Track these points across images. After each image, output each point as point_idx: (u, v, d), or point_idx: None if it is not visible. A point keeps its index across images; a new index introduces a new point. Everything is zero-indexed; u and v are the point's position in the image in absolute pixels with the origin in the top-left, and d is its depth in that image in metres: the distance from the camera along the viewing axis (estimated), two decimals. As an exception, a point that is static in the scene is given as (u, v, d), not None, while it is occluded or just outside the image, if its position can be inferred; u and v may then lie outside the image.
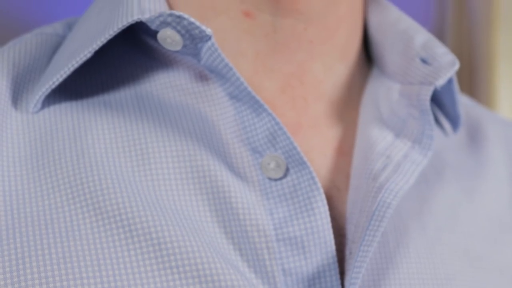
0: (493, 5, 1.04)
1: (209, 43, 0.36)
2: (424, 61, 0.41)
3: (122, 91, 0.39)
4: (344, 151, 0.40)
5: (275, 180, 0.36)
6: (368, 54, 0.46)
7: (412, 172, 0.37)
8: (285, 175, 0.36)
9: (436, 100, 0.45)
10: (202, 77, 0.39)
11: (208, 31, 0.35)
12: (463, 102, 0.49)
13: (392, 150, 0.38)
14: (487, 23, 1.05)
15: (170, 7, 0.40)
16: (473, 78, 1.08)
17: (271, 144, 0.36)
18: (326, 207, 0.36)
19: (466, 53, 1.08)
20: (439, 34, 1.10)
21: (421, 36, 0.42)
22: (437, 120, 0.46)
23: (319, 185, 0.36)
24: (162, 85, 0.39)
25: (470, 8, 1.07)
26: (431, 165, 0.42)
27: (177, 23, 0.35)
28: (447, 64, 0.40)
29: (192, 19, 0.35)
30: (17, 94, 0.38)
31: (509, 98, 1.08)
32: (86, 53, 0.36)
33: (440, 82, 0.39)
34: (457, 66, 0.40)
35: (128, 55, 0.40)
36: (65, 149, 0.36)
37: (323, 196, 0.36)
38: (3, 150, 0.35)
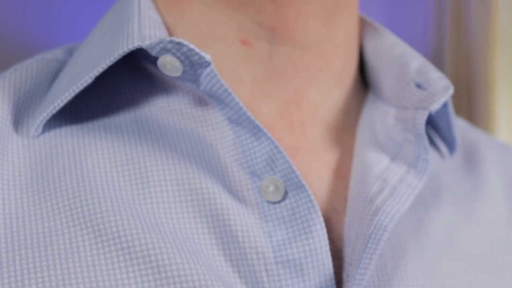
0: (491, 28, 1.04)
1: (208, 69, 0.36)
2: (419, 86, 0.42)
3: (122, 115, 0.39)
4: (342, 174, 0.41)
5: (274, 203, 0.36)
6: (364, 79, 0.46)
7: (408, 196, 0.38)
8: (283, 198, 0.36)
9: (432, 123, 0.45)
10: (201, 102, 0.39)
11: (208, 57, 0.36)
12: (460, 126, 0.50)
13: (388, 174, 0.38)
14: (485, 45, 1.06)
15: (170, 34, 0.40)
16: (471, 100, 1.09)
17: (270, 168, 0.37)
18: (324, 230, 0.36)
19: (465, 75, 1.09)
20: (438, 56, 1.11)
21: (416, 61, 0.43)
22: (434, 143, 0.46)
23: (317, 208, 0.36)
24: (162, 109, 0.39)
25: (468, 31, 1.08)
26: (429, 187, 0.43)
27: (177, 49, 0.36)
28: (441, 89, 0.41)
29: (191, 46, 0.35)
30: (18, 119, 0.38)
31: (507, 120, 1.08)
32: (87, 79, 0.36)
33: (435, 106, 0.39)
34: (451, 91, 0.41)
35: (128, 81, 0.40)
36: (65, 173, 0.36)
37: (321, 219, 0.36)
38: (4, 174, 0.36)
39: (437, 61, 1.11)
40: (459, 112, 1.08)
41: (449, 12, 1.07)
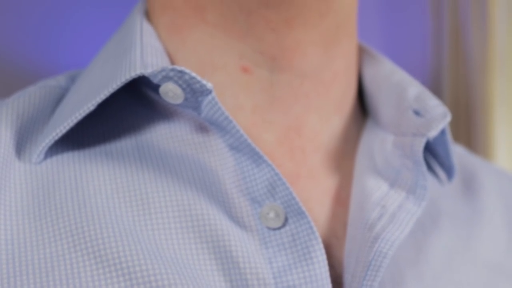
0: (489, 52, 1.05)
1: (209, 97, 0.37)
2: (416, 113, 0.42)
3: (123, 141, 0.39)
4: (342, 200, 0.41)
5: (274, 229, 0.37)
6: (363, 106, 0.47)
7: (407, 222, 0.38)
8: (284, 225, 0.37)
9: (431, 150, 0.46)
10: (202, 128, 0.39)
11: (209, 85, 0.36)
12: (458, 152, 0.50)
13: (387, 200, 0.39)
14: (484, 69, 1.06)
15: (171, 62, 0.41)
16: (470, 123, 1.09)
17: (270, 194, 0.37)
18: (324, 256, 0.36)
19: (463, 98, 1.09)
20: (436, 80, 1.11)
21: (414, 88, 0.43)
22: (432, 170, 0.46)
23: (317, 234, 0.36)
24: (163, 135, 0.39)
25: (467, 55, 1.08)
26: (427, 213, 0.43)
27: (179, 77, 0.36)
28: (439, 116, 0.41)
29: (193, 74, 0.36)
30: (21, 145, 0.39)
31: (506, 142, 1.08)
32: (89, 106, 0.37)
33: (433, 133, 0.40)
34: (448, 118, 0.41)
35: (130, 107, 0.41)
36: (67, 199, 0.36)
37: (321, 246, 0.36)
38: (6, 200, 0.36)
39: (436, 84, 1.11)
40: (458, 134, 1.08)
41: (448, 36, 1.08)
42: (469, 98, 1.08)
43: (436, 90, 1.11)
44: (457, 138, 1.07)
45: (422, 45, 1.11)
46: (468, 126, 1.10)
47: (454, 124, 1.08)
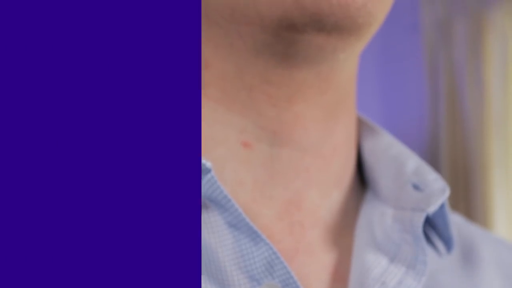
0: (486, 114, 1.06)
1: (208, 175, 0.37)
2: (415, 187, 0.42)
3: None
4: (340, 276, 0.41)
5: None
6: (362, 177, 0.47)
7: None
8: None
9: (429, 221, 0.46)
10: (202, 205, 0.39)
11: (208, 164, 0.36)
12: (456, 222, 0.50)
13: (387, 276, 0.39)
14: (481, 131, 1.07)
15: None
16: (469, 186, 1.10)
17: (268, 273, 0.37)
18: None
19: (461, 161, 1.10)
20: (434, 144, 1.12)
21: (413, 162, 0.44)
22: (431, 241, 0.46)
23: None
24: None
25: (463, 118, 1.09)
26: (426, 287, 0.43)
27: None
28: (438, 191, 0.41)
29: None
30: None
31: (505, 206, 1.08)
32: None
33: (432, 209, 0.40)
34: (447, 193, 0.41)
35: None
36: None
37: None
38: None
39: (433, 149, 1.12)
40: (457, 199, 1.08)
41: (444, 101, 1.09)
42: (467, 162, 1.09)
43: (434, 154, 1.11)
44: (456, 203, 1.07)
45: (419, 110, 1.12)
46: (467, 191, 1.10)
47: (452, 188, 1.08)
